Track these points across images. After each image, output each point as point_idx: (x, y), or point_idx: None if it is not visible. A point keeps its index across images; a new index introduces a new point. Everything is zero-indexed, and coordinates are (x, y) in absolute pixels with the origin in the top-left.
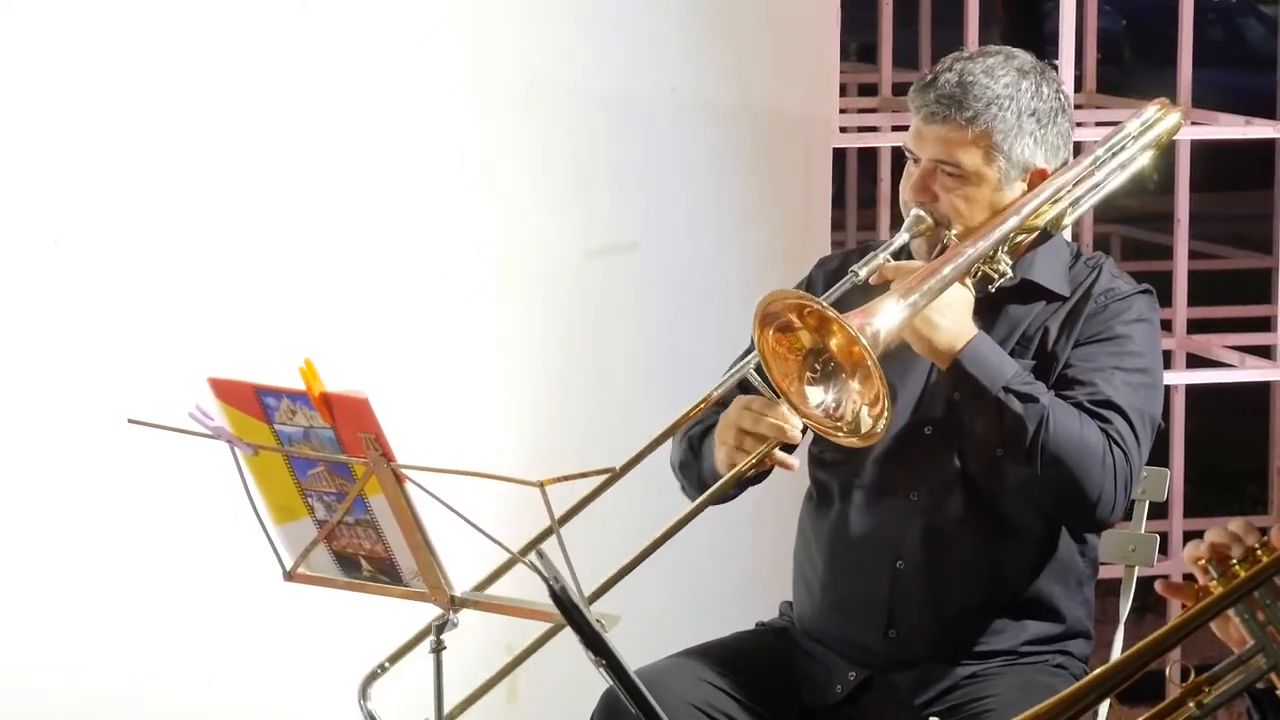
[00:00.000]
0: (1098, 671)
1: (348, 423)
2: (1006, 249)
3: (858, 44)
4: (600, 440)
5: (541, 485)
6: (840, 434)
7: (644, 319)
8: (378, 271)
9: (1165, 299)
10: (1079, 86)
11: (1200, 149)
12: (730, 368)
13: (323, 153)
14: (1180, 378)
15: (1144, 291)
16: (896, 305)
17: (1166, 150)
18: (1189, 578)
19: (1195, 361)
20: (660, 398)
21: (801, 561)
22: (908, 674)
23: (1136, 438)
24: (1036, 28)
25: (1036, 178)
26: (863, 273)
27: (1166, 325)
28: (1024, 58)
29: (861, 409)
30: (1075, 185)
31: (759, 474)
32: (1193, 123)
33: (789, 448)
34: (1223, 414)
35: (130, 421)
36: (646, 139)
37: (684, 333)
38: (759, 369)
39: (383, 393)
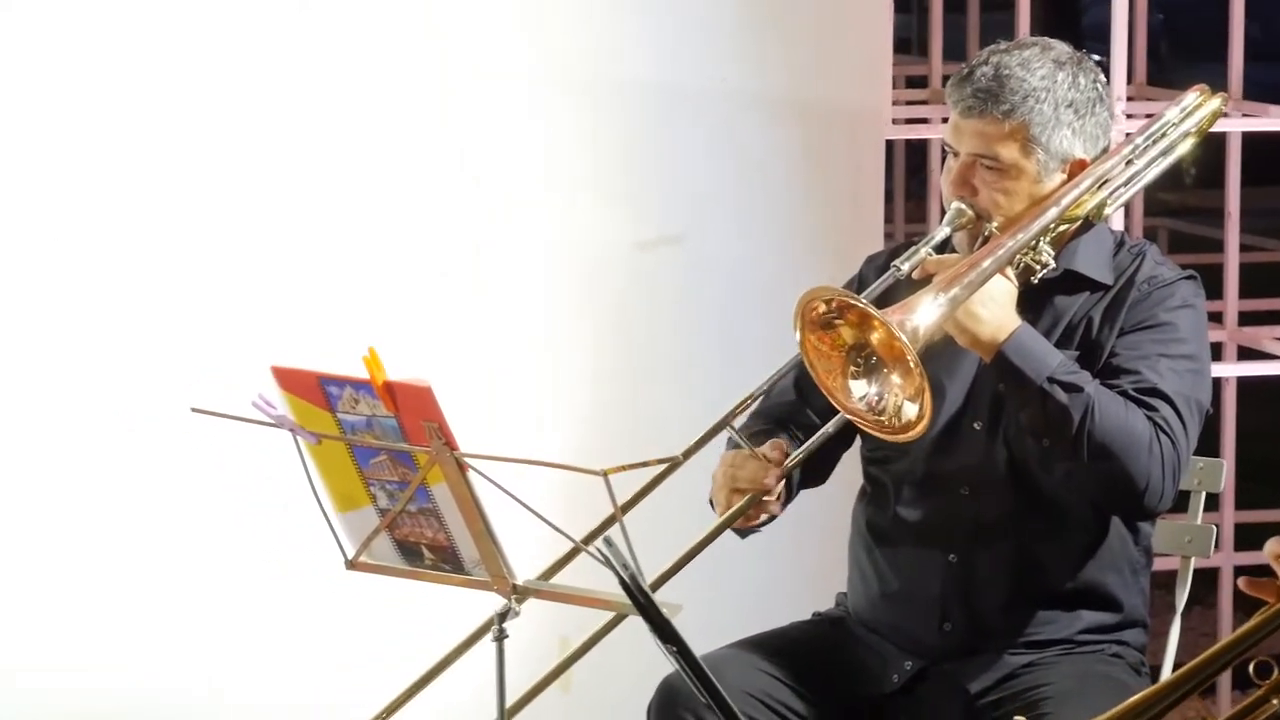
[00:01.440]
0: (1182, 670)
1: (411, 411)
2: (1049, 239)
3: (895, 37)
4: (650, 432)
5: (605, 474)
6: (883, 427)
7: (693, 311)
8: (432, 263)
9: (1216, 292)
10: (1129, 79)
11: (1249, 142)
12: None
13: (386, 145)
14: (1231, 370)
15: (1188, 277)
16: (936, 299)
17: (1216, 144)
18: (1262, 571)
19: (1246, 354)
20: (709, 392)
21: (856, 555)
22: (963, 664)
23: (1184, 425)
24: (1074, 21)
25: (1076, 168)
26: (905, 267)
27: (1218, 318)
28: (1061, 48)
29: (903, 403)
30: (1115, 174)
31: (759, 522)
32: (1243, 115)
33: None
34: (1274, 406)
35: (194, 410)
36: (696, 130)
37: (733, 325)
38: (803, 369)
39: (434, 384)
